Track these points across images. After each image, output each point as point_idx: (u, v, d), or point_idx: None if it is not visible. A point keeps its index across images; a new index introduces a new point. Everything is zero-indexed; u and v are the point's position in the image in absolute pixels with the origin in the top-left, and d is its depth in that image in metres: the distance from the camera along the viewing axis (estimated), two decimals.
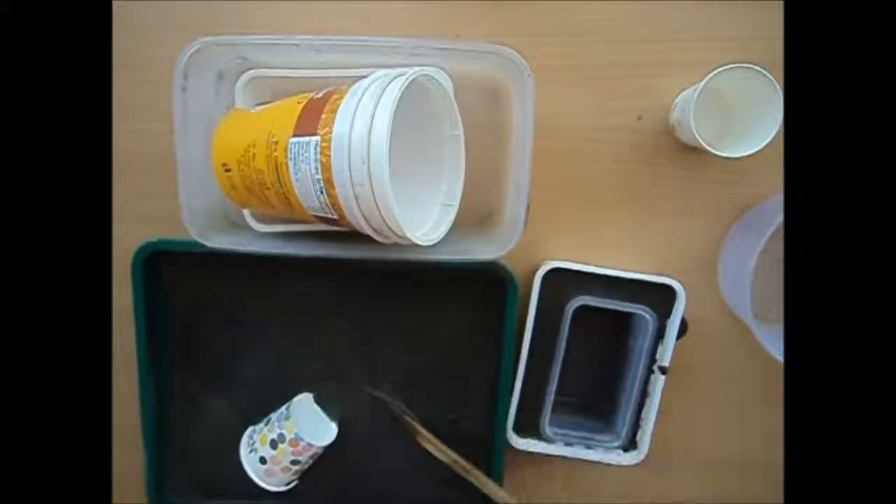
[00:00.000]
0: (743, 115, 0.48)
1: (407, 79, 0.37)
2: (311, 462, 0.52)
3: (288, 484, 0.52)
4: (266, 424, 0.52)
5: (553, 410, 0.52)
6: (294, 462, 0.50)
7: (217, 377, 0.54)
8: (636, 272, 0.50)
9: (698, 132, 0.44)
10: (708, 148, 0.44)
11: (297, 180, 0.39)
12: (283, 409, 0.52)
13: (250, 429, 0.52)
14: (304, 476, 0.53)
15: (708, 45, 0.49)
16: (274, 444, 0.50)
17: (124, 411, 0.52)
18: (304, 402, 0.52)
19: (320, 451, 0.51)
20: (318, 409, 0.52)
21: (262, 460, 0.50)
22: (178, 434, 0.55)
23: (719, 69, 0.44)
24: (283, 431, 0.50)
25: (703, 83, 0.44)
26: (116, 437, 0.48)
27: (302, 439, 0.49)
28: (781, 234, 0.42)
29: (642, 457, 0.52)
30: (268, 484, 0.51)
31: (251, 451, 0.51)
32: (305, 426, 0.50)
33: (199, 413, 0.55)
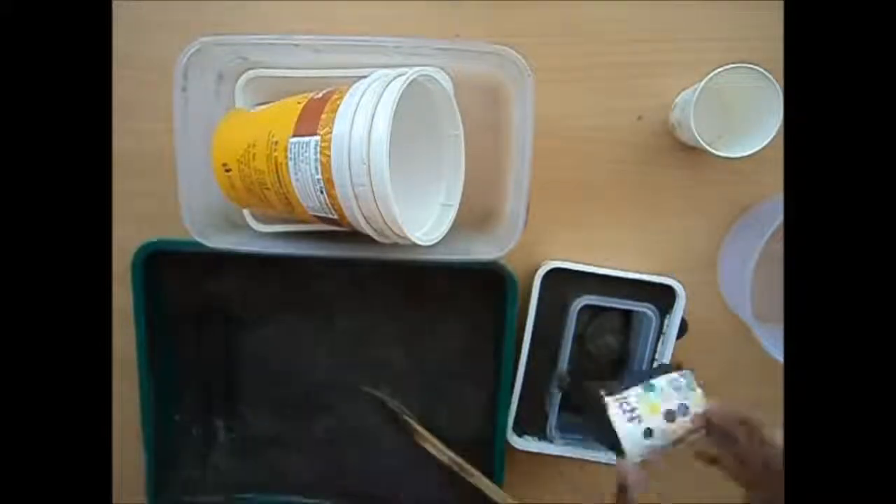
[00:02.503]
0: (743, 115, 0.48)
1: (407, 79, 0.37)
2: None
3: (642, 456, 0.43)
4: (650, 391, 0.43)
5: (561, 412, 0.52)
6: (678, 441, 0.42)
7: (216, 377, 0.54)
8: (636, 272, 0.50)
9: (698, 132, 0.44)
10: (708, 148, 0.45)
11: (297, 180, 0.39)
12: (676, 377, 0.43)
13: (614, 397, 0.44)
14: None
15: (708, 45, 0.49)
16: (672, 417, 0.41)
17: (124, 411, 0.52)
18: (689, 377, 0.43)
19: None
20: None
21: (649, 433, 0.42)
22: (177, 434, 0.55)
23: (719, 69, 0.44)
24: (688, 404, 0.41)
25: (703, 83, 0.44)
26: (116, 437, 0.48)
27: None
28: (781, 234, 0.43)
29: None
30: (638, 456, 0.42)
31: (633, 420, 0.42)
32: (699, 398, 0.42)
33: (199, 412, 0.55)
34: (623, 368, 0.53)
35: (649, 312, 0.50)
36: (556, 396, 0.51)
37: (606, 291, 0.51)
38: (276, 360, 0.54)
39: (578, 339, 0.53)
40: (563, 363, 0.51)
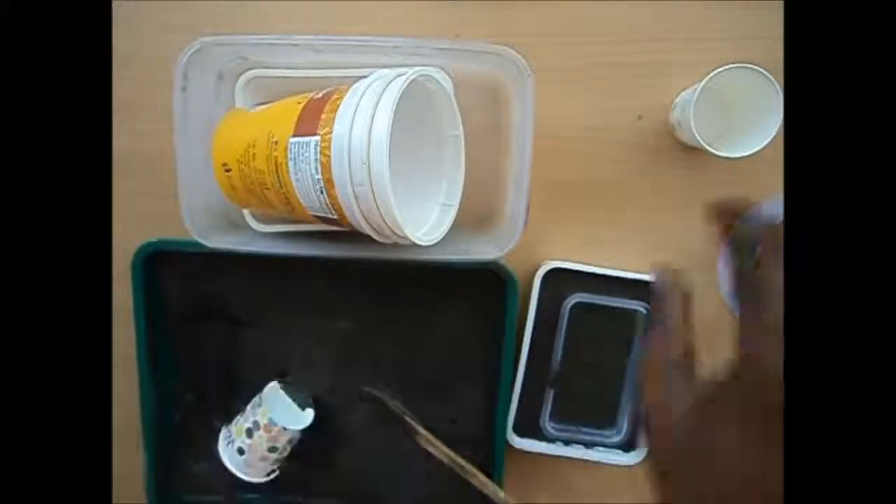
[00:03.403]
0: (743, 115, 0.48)
1: (407, 79, 0.37)
2: (289, 448, 0.52)
3: (269, 474, 0.52)
4: (242, 416, 0.52)
5: (553, 409, 0.52)
6: (272, 449, 0.50)
7: (217, 377, 0.54)
8: (636, 272, 0.50)
9: (698, 132, 0.44)
10: (708, 148, 0.44)
11: (297, 180, 0.39)
12: (255, 398, 0.52)
13: (226, 426, 0.53)
14: (285, 466, 0.53)
15: (708, 45, 0.49)
16: (250, 433, 0.50)
17: (124, 411, 0.52)
18: (275, 389, 0.52)
19: (297, 435, 0.51)
20: (287, 394, 0.52)
21: (241, 451, 0.50)
22: (178, 434, 0.55)
23: (719, 69, 0.43)
24: (258, 419, 0.50)
25: (703, 83, 0.44)
26: (116, 437, 0.48)
27: (276, 424, 0.49)
28: None
29: (642, 457, 0.52)
30: (248, 475, 0.51)
31: (229, 444, 0.51)
32: (278, 411, 0.50)
33: (199, 412, 0.55)
34: (621, 370, 0.53)
35: (644, 311, 0.50)
36: (550, 393, 0.52)
37: (606, 291, 0.51)
38: (276, 360, 0.54)
39: (578, 338, 0.53)
40: (556, 361, 0.51)
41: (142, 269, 0.49)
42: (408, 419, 0.53)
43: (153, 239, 0.49)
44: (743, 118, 0.48)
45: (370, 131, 0.36)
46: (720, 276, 0.52)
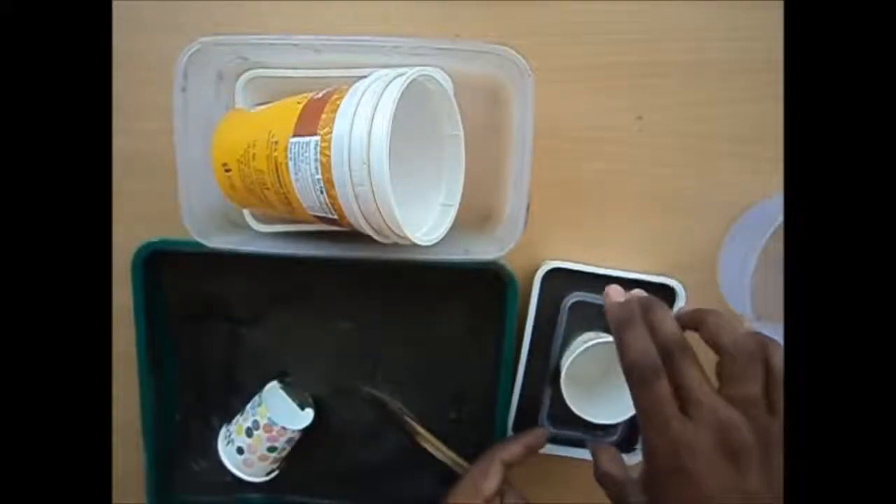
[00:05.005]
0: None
1: (407, 79, 0.37)
2: (288, 448, 0.52)
3: (269, 473, 0.52)
4: (241, 415, 0.52)
5: (552, 408, 0.52)
6: (271, 449, 0.50)
7: (217, 377, 0.54)
8: (636, 272, 0.50)
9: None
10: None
11: (296, 180, 0.39)
12: (255, 397, 0.52)
13: (226, 425, 0.53)
14: (285, 466, 0.53)
15: (708, 45, 0.49)
16: (249, 433, 0.50)
17: (124, 411, 0.52)
18: (275, 389, 0.53)
19: (296, 435, 0.51)
20: (287, 394, 0.53)
21: (240, 450, 0.50)
22: (178, 434, 0.55)
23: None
24: (257, 418, 0.50)
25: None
26: (116, 437, 0.48)
27: (275, 424, 0.50)
28: (781, 234, 0.43)
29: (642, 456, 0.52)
30: (247, 475, 0.51)
31: (228, 444, 0.51)
32: (278, 411, 0.50)
33: (199, 412, 0.55)
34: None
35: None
36: (549, 389, 0.52)
37: None
38: (276, 360, 0.54)
39: (577, 338, 0.53)
40: (554, 360, 0.51)
41: (142, 269, 0.49)
42: (408, 419, 0.53)
43: (153, 239, 0.49)
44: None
45: (370, 131, 0.36)
46: (720, 276, 0.53)
